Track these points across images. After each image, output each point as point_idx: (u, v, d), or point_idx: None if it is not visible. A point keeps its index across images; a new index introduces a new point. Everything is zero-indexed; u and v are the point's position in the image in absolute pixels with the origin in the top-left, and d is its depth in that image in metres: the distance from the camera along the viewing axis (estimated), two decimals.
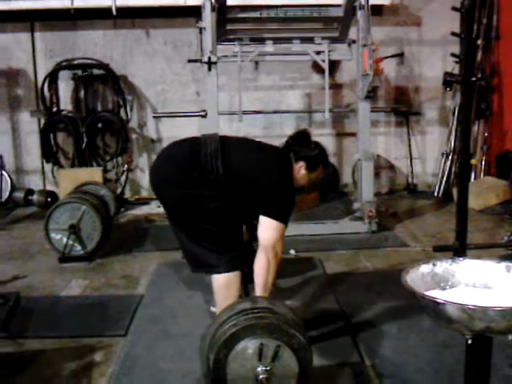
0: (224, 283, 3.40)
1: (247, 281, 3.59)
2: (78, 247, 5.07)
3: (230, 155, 3.37)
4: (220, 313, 2.89)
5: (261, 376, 2.55)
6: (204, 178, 3.31)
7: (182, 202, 3.37)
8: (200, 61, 5.81)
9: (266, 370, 2.55)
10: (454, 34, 7.01)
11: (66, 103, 7.38)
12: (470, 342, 2.12)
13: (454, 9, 6.45)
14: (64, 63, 7.18)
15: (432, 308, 2.10)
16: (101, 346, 3.52)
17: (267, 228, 3.30)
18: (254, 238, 3.51)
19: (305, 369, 2.61)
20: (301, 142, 3.64)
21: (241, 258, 3.43)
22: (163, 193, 3.50)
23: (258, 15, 5.91)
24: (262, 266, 3.30)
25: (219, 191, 3.32)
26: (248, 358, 2.56)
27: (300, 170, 3.56)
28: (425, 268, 2.35)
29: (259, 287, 3.32)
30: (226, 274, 3.39)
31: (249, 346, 2.56)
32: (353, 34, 5.86)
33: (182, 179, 3.36)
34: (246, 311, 2.69)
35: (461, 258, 2.45)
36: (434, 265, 2.37)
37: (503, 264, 2.37)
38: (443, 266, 2.38)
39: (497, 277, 2.35)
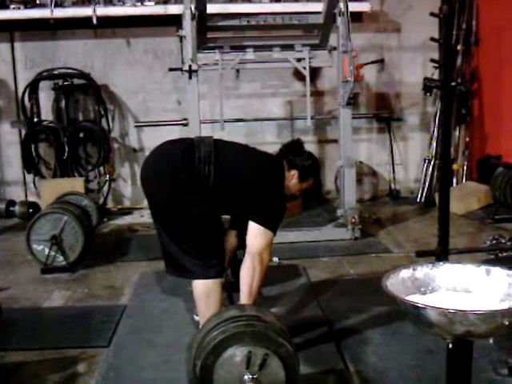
0: (203, 290, 3.38)
1: (233, 290, 3.59)
2: (60, 258, 5.04)
3: (223, 160, 3.38)
4: (208, 319, 2.88)
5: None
6: (193, 182, 3.31)
7: (168, 203, 3.36)
8: (181, 69, 5.83)
9: (253, 377, 2.54)
10: (433, 39, 7.06)
11: (47, 113, 7.34)
12: (450, 346, 2.12)
13: (433, 14, 6.48)
14: (44, 73, 7.14)
15: (412, 313, 2.10)
16: (84, 357, 3.49)
17: (256, 235, 3.31)
18: (243, 245, 3.50)
19: (292, 377, 2.60)
20: (294, 150, 3.67)
21: (221, 266, 3.42)
22: (151, 190, 3.48)
23: (239, 23, 5.93)
24: (248, 273, 3.29)
25: (207, 197, 3.32)
26: (235, 366, 2.55)
27: (292, 178, 3.58)
28: (405, 273, 2.36)
29: (244, 293, 3.31)
30: (205, 281, 3.38)
31: (237, 353, 2.55)
32: (333, 40, 5.88)
33: (171, 180, 3.34)
34: (235, 318, 2.68)
35: (441, 263, 2.46)
36: (414, 270, 2.38)
37: (483, 268, 2.39)
38: (423, 271, 2.39)
39: (477, 281, 2.36)
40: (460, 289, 2.36)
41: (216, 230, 3.43)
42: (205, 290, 3.38)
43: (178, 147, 3.49)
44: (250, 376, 2.54)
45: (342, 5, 5.46)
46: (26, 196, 7.49)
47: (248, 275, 3.30)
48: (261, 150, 3.72)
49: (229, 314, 2.75)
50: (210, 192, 3.31)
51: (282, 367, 2.58)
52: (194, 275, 3.39)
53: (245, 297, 3.31)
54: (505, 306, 2.20)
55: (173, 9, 6.75)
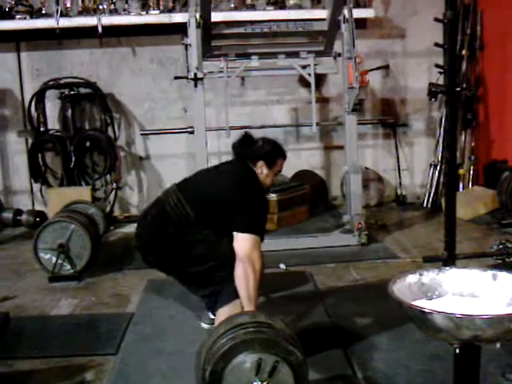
0: (227, 312, 3.41)
1: None
2: (68, 266, 5.05)
3: (193, 196, 3.54)
4: (217, 325, 2.88)
5: None
6: (181, 228, 3.46)
7: (169, 258, 3.57)
8: (186, 77, 5.84)
9: None
10: (437, 44, 7.05)
11: (53, 122, 7.36)
12: (457, 351, 2.12)
13: (437, 20, 6.48)
14: (51, 82, 7.17)
15: (419, 318, 2.10)
16: (92, 365, 3.49)
17: (239, 241, 3.37)
18: None
19: None
20: (248, 144, 3.71)
21: None
22: (156, 257, 3.71)
23: (243, 31, 5.95)
24: (241, 278, 3.33)
25: (199, 232, 3.46)
26: (245, 372, 2.55)
27: (262, 169, 3.65)
28: (411, 278, 2.36)
29: (244, 300, 3.35)
30: (228, 305, 3.47)
31: (247, 360, 2.55)
32: (338, 47, 5.89)
33: (162, 239, 3.53)
34: (245, 325, 2.68)
35: (447, 268, 2.46)
36: (420, 275, 2.38)
37: (490, 272, 2.39)
38: (430, 276, 2.39)
39: (483, 285, 2.36)
40: (466, 294, 2.36)
41: (221, 255, 3.47)
42: (229, 311, 3.41)
43: (152, 213, 3.68)
44: (259, 383, 2.54)
45: (346, 11, 5.48)
46: (33, 205, 7.51)
47: (242, 281, 3.33)
48: (223, 162, 3.94)
49: (239, 321, 2.75)
50: (200, 226, 3.47)
51: (291, 375, 2.57)
52: (219, 304, 3.53)
53: (245, 302, 3.35)
54: None
55: (178, 17, 6.77)
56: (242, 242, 3.35)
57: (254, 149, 3.68)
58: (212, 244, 3.47)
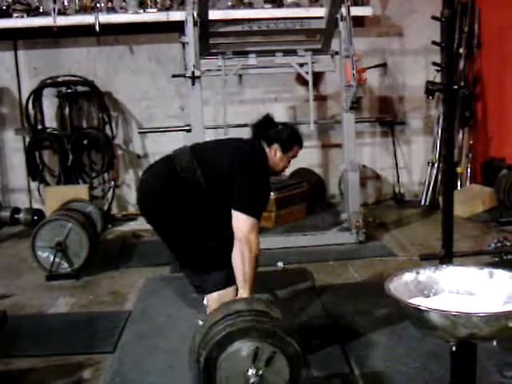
0: (217, 298, 3.41)
1: None
2: (65, 265, 5.05)
3: (204, 162, 3.46)
4: (213, 312, 2.86)
5: (252, 380, 2.52)
6: (190, 193, 3.37)
7: (175, 224, 3.47)
8: (184, 75, 5.83)
9: (258, 374, 2.52)
10: (434, 43, 7.05)
11: (50, 121, 7.35)
12: (454, 348, 2.12)
13: (435, 18, 6.49)
14: (48, 81, 7.15)
15: (415, 316, 2.10)
16: (89, 363, 3.50)
17: (239, 222, 3.33)
18: None
19: (296, 377, 2.59)
20: (267, 126, 3.69)
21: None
22: (157, 220, 3.60)
23: (241, 29, 5.95)
24: (238, 258, 3.30)
25: (207, 202, 3.41)
26: (241, 360, 2.53)
27: (276, 153, 3.63)
28: (408, 276, 2.36)
29: (239, 280, 3.32)
30: (219, 292, 3.44)
31: (243, 348, 2.54)
32: (335, 45, 5.89)
33: (170, 201, 3.45)
34: (243, 312, 2.67)
35: (444, 266, 2.46)
36: (417, 273, 2.39)
37: (486, 270, 2.39)
38: (426, 274, 2.39)
39: (480, 283, 2.36)
40: (463, 291, 2.36)
41: (225, 236, 3.43)
42: (218, 298, 3.41)
43: (159, 172, 3.61)
44: (256, 372, 2.53)
45: (343, 9, 5.48)
46: (31, 203, 7.50)
47: (238, 261, 3.30)
48: (237, 138, 3.81)
49: (236, 308, 2.73)
50: (208, 196, 3.40)
51: (287, 366, 2.56)
52: (210, 289, 3.49)
53: (240, 284, 3.32)
54: (508, 308, 2.20)
55: (175, 15, 6.76)
56: (242, 223, 3.32)
57: (272, 131, 3.67)
58: (217, 223, 3.44)
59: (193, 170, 3.40)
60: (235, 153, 3.55)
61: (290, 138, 3.70)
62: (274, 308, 2.89)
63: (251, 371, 2.52)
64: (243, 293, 3.30)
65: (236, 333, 2.56)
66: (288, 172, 7.28)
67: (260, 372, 2.52)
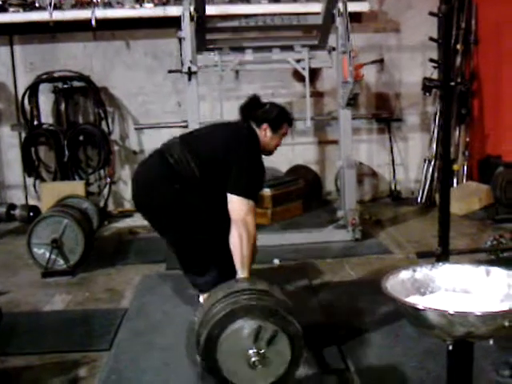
0: None
1: None
2: (61, 261, 5.03)
3: (195, 150, 3.46)
4: (215, 291, 2.84)
5: (253, 358, 2.51)
6: (185, 185, 3.36)
7: (170, 219, 3.47)
8: (180, 71, 5.82)
9: (259, 352, 2.51)
10: (432, 39, 7.04)
11: (46, 116, 7.33)
12: (450, 347, 2.12)
13: (432, 14, 6.47)
14: (44, 76, 7.13)
15: (412, 314, 2.10)
16: (85, 361, 3.49)
17: (234, 204, 3.33)
18: None
19: (296, 357, 2.58)
20: (255, 106, 3.69)
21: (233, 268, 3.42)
22: (153, 214, 3.61)
23: (238, 24, 5.94)
24: (235, 241, 3.30)
25: (202, 193, 3.40)
26: (242, 339, 2.52)
27: (266, 132, 3.65)
28: (405, 274, 2.36)
29: (237, 263, 3.32)
30: None
31: (245, 326, 2.53)
32: (332, 41, 5.87)
33: (164, 195, 3.43)
34: (245, 291, 2.65)
35: (440, 264, 2.45)
36: (413, 271, 2.38)
37: (482, 268, 2.38)
38: (423, 272, 2.39)
39: (476, 281, 2.36)
40: (459, 289, 2.36)
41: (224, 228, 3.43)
42: None
43: (152, 167, 3.60)
44: (257, 351, 2.51)
45: (340, 5, 5.46)
46: (27, 199, 7.49)
47: (236, 243, 3.30)
48: (226, 122, 3.90)
49: (239, 286, 2.71)
50: (200, 182, 3.40)
51: (288, 346, 2.55)
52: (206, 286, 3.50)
53: (238, 266, 3.31)
54: (505, 306, 2.20)
55: (172, 11, 6.75)
56: (238, 205, 3.32)
57: (260, 112, 3.66)
58: (212, 215, 3.44)
59: (186, 161, 3.40)
60: (228, 137, 3.55)
61: (279, 117, 3.71)
62: (276, 288, 2.87)
63: (253, 350, 2.50)
64: (241, 275, 3.30)
65: (238, 310, 2.54)
66: (284, 169, 7.32)
67: (261, 351, 2.50)
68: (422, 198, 7.31)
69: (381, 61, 7.58)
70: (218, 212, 3.40)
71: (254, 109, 3.69)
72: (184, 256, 3.66)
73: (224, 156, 3.41)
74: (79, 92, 7.35)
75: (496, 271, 2.37)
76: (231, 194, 3.34)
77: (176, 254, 3.74)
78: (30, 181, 7.40)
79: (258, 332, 2.51)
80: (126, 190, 7.55)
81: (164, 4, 6.98)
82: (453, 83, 6.93)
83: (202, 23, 5.58)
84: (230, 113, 6.62)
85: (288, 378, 2.67)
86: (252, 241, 3.35)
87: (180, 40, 5.90)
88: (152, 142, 7.23)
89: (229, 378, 2.61)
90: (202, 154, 3.45)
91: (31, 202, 7.36)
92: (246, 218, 3.30)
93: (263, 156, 3.69)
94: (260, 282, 2.87)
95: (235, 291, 2.66)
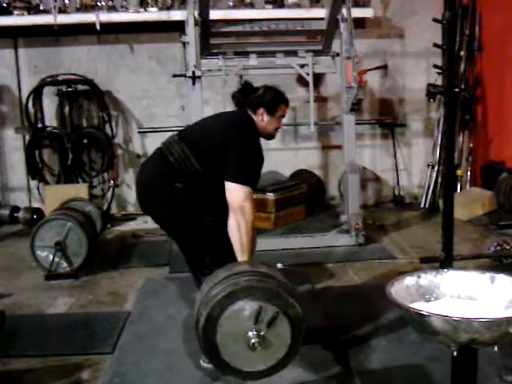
0: None
1: None
2: (64, 264, 5.04)
3: (194, 144, 3.43)
4: (215, 273, 2.82)
5: (253, 340, 2.49)
6: (190, 184, 3.35)
7: (175, 217, 3.43)
8: (184, 75, 5.83)
9: (259, 334, 2.49)
10: (436, 45, 7.05)
11: (50, 119, 7.34)
12: (455, 354, 2.11)
13: (436, 20, 6.49)
14: (48, 79, 7.14)
15: (417, 320, 2.09)
16: (88, 364, 3.49)
17: (232, 192, 3.29)
18: None
19: (296, 341, 2.56)
20: (248, 92, 3.68)
21: None
22: (158, 213, 3.55)
23: (242, 29, 5.95)
24: (234, 228, 3.27)
25: (208, 191, 3.37)
26: (243, 320, 2.50)
27: (262, 117, 3.61)
28: (409, 280, 2.35)
29: (237, 251, 3.27)
30: None
31: (246, 307, 2.51)
32: (336, 46, 5.88)
33: (169, 197, 3.39)
34: (246, 273, 2.64)
35: (445, 270, 2.45)
36: (418, 277, 2.38)
37: (487, 275, 2.38)
38: (428, 278, 2.38)
39: (481, 288, 2.35)
40: (464, 296, 2.35)
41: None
42: None
43: (153, 166, 3.57)
44: (257, 333, 2.50)
45: (344, 11, 5.46)
46: (30, 202, 7.49)
47: (234, 231, 3.26)
48: (222, 112, 3.87)
49: (239, 269, 2.69)
50: (203, 176, 3.36)
51: (289, 329, 2.53)
52: None
53: (238, 254, 3.27)
54: (510, 313, 2.20)
55: (176, 15, 6.76)
56: (235, 192, 3.28)
57: (254, 97, 3.65)
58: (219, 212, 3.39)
59: (186, 157, 3.36)
60: (225, 125, 3.53)
61: (274, 99, 3.67)
62: (277, 271, 2.85)
63: (252, 332, 2.49)
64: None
65: (239, 291, 2.52)
66: (288, 173, 7.31)
67: (262, 333, 2.49)
68: (425, 203, 7.30)
69: (384, 67, 7.58)
70: (224, 210, 3.37)
71: (247, 94, 3.67)
72: (192, 251, 3.61)
73: (222, 145, 3.37)
74: (83, 95, 7.35)
75: (501, 278, 2.37)
76: (228, 181, 3.30)
77: (183, 253, 3.69)
78: (33, 183, 7.41)
79: (259, 313, 2.48)
80: (130, 194, 7.56)
81: (168, 8, 7.00)
82: (457, 89, 6.95)
83: (206, 28, 5.60)
84: None
85: (287, 362, 2.65)
86: (250, 228, 3.30)
87: (184, 44, 5.92)
88: (155, 145, 7.13)
89: (228, 361, 2.59)
90: (200, 146, 3.43)
91: (35, 204, 7.36)
92: (243, 204, 3.25)
93: (267, 140, 3.70)
94: (261, 266, 2.85)
95: (236, 273, 2.63)
